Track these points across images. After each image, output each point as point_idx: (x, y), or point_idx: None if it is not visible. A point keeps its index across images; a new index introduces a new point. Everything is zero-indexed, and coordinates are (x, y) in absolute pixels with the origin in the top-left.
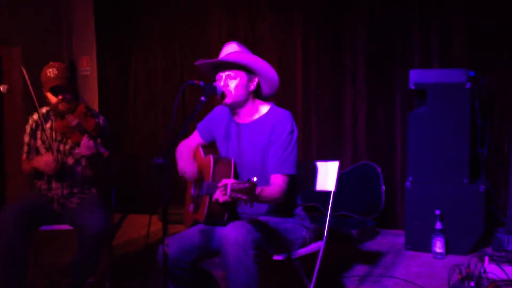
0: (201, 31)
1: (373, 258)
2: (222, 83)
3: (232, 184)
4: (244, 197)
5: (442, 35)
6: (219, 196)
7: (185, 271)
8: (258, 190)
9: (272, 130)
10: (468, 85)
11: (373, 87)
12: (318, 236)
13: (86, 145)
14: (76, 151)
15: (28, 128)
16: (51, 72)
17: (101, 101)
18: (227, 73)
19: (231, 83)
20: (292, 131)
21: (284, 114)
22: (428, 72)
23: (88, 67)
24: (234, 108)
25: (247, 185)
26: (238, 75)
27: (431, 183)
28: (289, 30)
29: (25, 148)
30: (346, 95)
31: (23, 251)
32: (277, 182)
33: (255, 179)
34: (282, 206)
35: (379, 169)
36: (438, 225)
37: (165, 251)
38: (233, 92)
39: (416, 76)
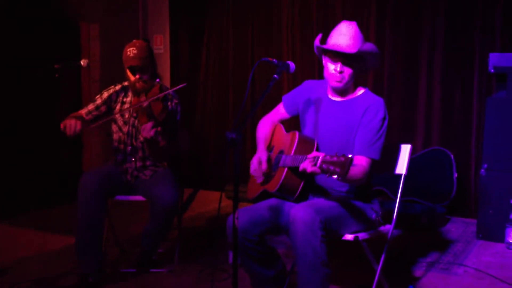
0: (273, 7)
1: (442, 245)
2: (338, 68)
3: (324, 156)
4: (337, 169)
5: None
6: (308, 166)
7: (254, 243)
8: None
9: (365, 113)
10: None
11: (450, 70)
12: (386, 220)
13: (147, 129)
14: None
15: (105, 94)
16: (131, 51)
17: (173, 79)
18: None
19: (347, 71)
20: (384, 118)
21: (379, 100)
22: (509, 56)
23: (162, 46)
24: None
25: (342, 159)
26: (355, 64)
27: (507, 171)
28: (363, 8)
29: (91, 106)
30: (420, 77)
31: (100, 217)
32: (361, 164)
33: (350, 155)
34: (358, 188)
35: (452, 155)
36: None
37: (235, 224)
38: (347, 78)
39: (496, 59)
